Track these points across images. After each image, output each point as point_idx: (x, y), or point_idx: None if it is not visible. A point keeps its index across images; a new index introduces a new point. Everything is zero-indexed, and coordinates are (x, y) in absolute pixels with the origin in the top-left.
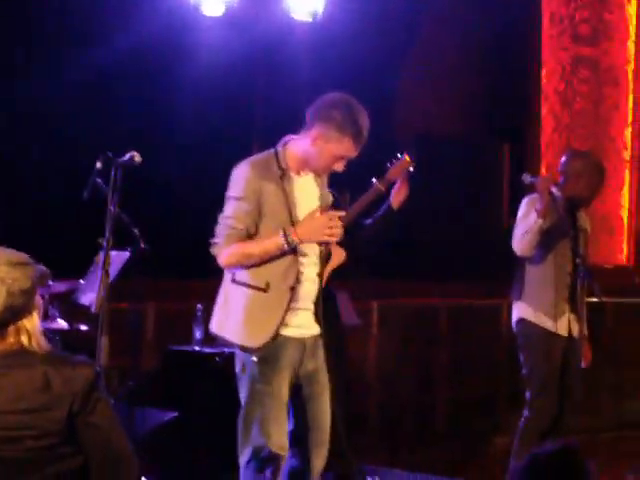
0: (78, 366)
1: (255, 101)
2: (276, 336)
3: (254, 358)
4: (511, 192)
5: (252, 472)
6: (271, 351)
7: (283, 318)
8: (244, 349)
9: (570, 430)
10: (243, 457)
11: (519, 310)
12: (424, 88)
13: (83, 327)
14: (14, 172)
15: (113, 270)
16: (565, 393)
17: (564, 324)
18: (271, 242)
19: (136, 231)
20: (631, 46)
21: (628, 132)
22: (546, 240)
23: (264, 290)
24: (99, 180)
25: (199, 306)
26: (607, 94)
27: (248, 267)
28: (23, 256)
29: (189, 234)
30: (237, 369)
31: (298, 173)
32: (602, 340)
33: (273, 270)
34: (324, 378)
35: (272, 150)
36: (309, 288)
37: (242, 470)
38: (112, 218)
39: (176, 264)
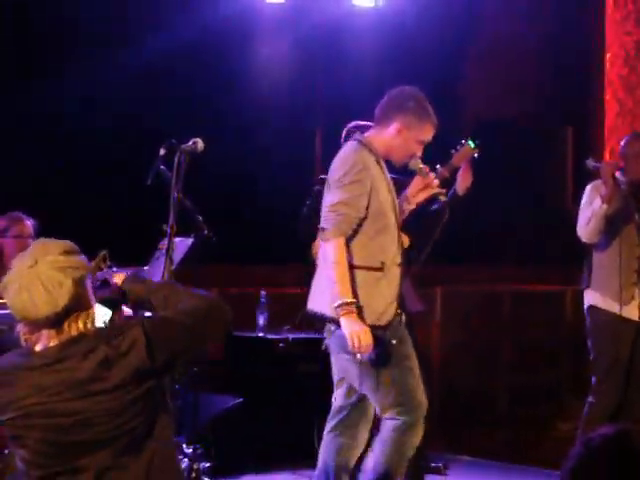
0: (127, 332)
1: (317, 88)
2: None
3: (394, 341)
4: (575, 177)
5: (406, 427)
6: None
7: (397, 293)
8: (376, 328)
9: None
10: (392, 420)
11: (588, 298)
12: (489, 74)
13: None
14: (79, 159)
15: (177, 256)
16: (634, 380)
17: (633, 309)
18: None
19: (200, 218)
20: None
21: None
22: (611, 226)
23: (380, 269)
24: (163, 167)
25: (263, 292)
26: None
27: (359, 249)
28: (71, 244)
29: (253, 221)
30: (337, 350)
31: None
32: None
33: (384, 249)
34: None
35: (354, 142)
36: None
37: (393, 431)
38: (175, 204)
39: (239, 250)
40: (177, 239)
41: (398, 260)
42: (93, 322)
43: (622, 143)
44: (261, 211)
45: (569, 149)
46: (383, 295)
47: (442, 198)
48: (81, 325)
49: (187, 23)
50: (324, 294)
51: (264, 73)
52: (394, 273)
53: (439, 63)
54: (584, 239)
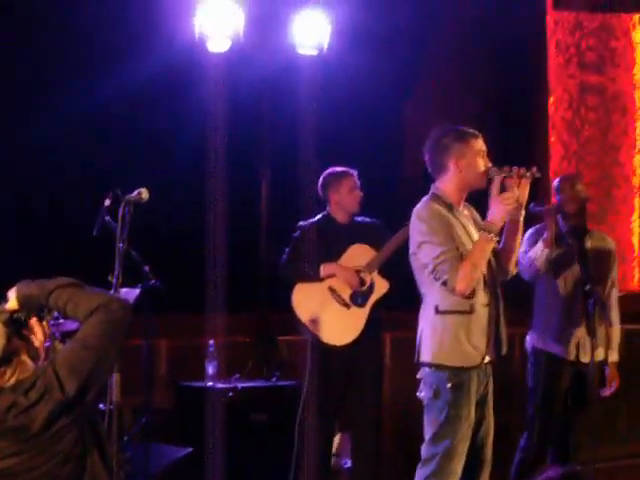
0: (40, 377)
1: (260, 134)
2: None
3: (448, 385)
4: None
5: None
6: (466, 378)
7: (489, 336)
8: (461, 369)
9: (589, 459)
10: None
11: (531, 340)
12: (433, 119)
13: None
14: (23, 209)
15: None
16: (581, 422)
17: (571, 349)
18: (481, 242)
19: (146, 268)
20: (638, 72)
21: (637, 159)
22: (552, 268)
23: (469, 312)
24: (108, 217)
25: (211, 342)
26: (615, 121)
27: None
28: None
29: (198, 268)
30: (428, 395)
31: (458, 206)
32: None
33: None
34: (491, 403)
35: (426, 197)
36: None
37: None
38: (121, 255)
39: (188, 300)
40: (124, 289)
41: (484, 301)
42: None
43: (555, 187)
44: (208, 259)
45: None
46: (473, 337)
47: (537, 174)
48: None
49: (127, 71)
50: (429, 346)
51: (207, 121)
52: (482, 314)
53: (381, 108)
54: (527, 279)
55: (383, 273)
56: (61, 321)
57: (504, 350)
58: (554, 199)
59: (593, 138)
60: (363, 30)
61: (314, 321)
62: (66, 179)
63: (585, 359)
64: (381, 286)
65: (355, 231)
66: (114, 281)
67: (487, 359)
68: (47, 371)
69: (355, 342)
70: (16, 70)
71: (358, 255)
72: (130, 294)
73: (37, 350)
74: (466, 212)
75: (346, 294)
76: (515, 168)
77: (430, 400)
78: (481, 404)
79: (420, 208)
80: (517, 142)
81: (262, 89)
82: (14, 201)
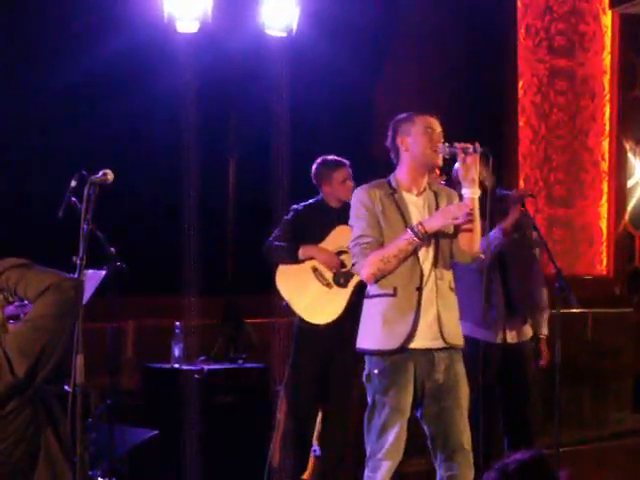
0: None
1: (229, 117)
2: (406, 344)
3: (376, 370)
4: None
5: (367, 470)
6: (394, 363)
7: (416, 319)
8: (379, 353)
9: (552, 443)
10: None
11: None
12: (400, 102)
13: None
14: None
15: (89, 288)
16: (523, 401)
17: (497, 332)
18: (401, 239)
19: (112, 249)
20: (607, 57)
21: (606, 143)
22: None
23: (392, 295)
24: (74, 199)
25: (177, 323)
26: (584, 105)
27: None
28: None
29: (165, 250)
30: (364, 377)
31: (410, 191)
32: (583, 351)
33: (399, 275)
34: (457, 392)
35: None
36: (431, 289)
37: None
38: (86, 236)
39: (154, 281)
40: (89, 271)
41: (416, 284)
42: None
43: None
44: (175, 241)
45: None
46: (394, 319)
47: (479, 150)
48: None
49: (95, 53)
50: (359, 332)
51: (176, 103)
52: (410, 297)
53: (350, 90)
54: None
55: None
56: (26, 302)
57: (447, 336)
58: (521, 183)
59: (562, 122)
60: (332, 11)
61: (296, 300)
62: (34, 160)
63: (511, 340)
64: None
65: (346, 214)
66: (78, 262)
67: (438, 345)
68: None
69: (337, 323)
70: None
71: (342, 236)
72: (95, 275)
73: None
74: (429, 196)
75: (329, 274)
76: (458, 144)
77: (364, 384)
78: (435, 394)
79: (354, 193)
80: (486, 126)
81: (231, 71)
82: None
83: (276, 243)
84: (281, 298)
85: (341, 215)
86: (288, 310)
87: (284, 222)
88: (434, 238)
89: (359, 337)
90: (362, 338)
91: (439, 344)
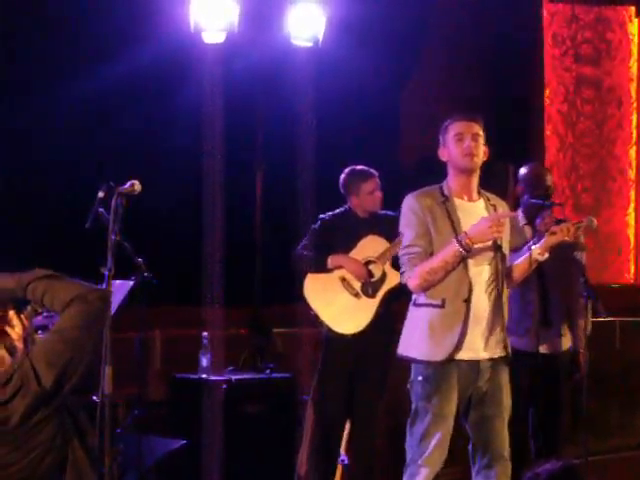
0: (17, 370)
1: (255, 127)
2: (452, 356)
3: (420, 377)
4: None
5: (406, 476)
6: (439, 371)
7: (463, 332)
8: (426, 363)
9: (581, 452)
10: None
11: None
12: (426, 110)
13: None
14: (16, 203)
15: (117, 299)
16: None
17: (530, 342)
18: (447, 250)
19: (139, 260)
20: (634, 65)
21: (633, 151)
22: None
23: (441, 306)
24: (101, 209)
25: (205, 334)
26: (610, 113)
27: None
28: None
29: (193, 261)
30: (407, 383)
31: (461, 197)
32: (611, 360)
33: (447, 286)
34: (500, 401)
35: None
36: (482, 301)
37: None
38: (113, 247)
39: (181, 291)
40: (117, 282)
41: (464, 295)
42: None
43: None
44: (203, 252)
45: (510, 186)
46: (441, 331)
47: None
48: None
49: (122, 64)
50: (402, 338)
51: (203, 114)
52: (458, 309)
53: (377, 100)
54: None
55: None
56: (53, 314)
57: (496, 347)
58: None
59: (589, 131)
60: (358, 21)
61: (324, 310)
62: (62, 172)
63: (547, 350)
64: (393, 277)
65: (374, 224)
66: (106, 273)
67: (484, 356)
68: (24, 364)
69: (365, 334)
70: (8, 65)
71: (371, 246)
72: (123, 286)
73: (14, 343)
74: (488, 207)
75: (357, 284)
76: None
77: (409, 391)
78: (478, 402)
79: (404, 201)
80: (513, 135)
81: (257, 81)
82: (7, 195)
83: (304, 252)
84: (309, 308)
85: (369, 225)
86: (316, 320)
87: (312, 231)
88: (491, 250)
89: (403, 344)
90: (407, 346)
91: (486, 355)
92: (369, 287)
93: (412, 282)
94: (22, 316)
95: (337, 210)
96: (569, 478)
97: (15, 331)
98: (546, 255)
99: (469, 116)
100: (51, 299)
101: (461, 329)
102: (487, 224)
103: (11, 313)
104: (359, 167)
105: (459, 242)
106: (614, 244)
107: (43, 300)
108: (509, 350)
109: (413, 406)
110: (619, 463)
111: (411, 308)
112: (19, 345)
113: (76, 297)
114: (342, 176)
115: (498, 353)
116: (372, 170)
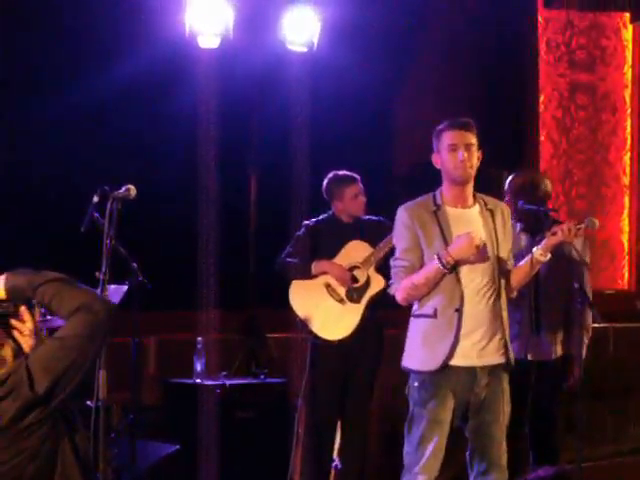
0: (12, 374)
1: (250, 131)
2: (446, 364)
3: (416, 383)
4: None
5: None
6: (435, 377)
7: (455, 341)
8: (420, 372)
9: (575, 458)
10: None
11: None
12: (421, 117)
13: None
14: (10, 206)
15: None
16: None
17: (518, 348)
18: (429, 267)
19: (134, 264)
20: (628, 71)
21: (627, 157)
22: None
23: (433, 316)
24: (96, 214)
25: (199, 339)
26: (605, 120)
27: (420, 298)
28: None
29: (186, 265)
30: (405, 389)
31: (454, 205)
32: (604, 366)
33: (439, 296)
34: (497, 408)
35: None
36: (477, 309)
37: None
38: (108, 251)
39: (175, 296)
40: (111, 286)
41: (455, 305)
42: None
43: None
44: (196, 256)
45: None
46: (434, 341)
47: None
48: None
49: (117, 68)
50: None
51: (197, 118)
52: (450, 319)
53: (371, 104)
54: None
55: (381, 270)
56: (48, 317)
57: (493, 354)
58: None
59: (583, 137)
60: (353, 26)
61: (309, 316)
62: (56, 176)
63: (533, 357)
64: (377, 282)
65: (358, 229)
66: (101, 278)
67: (480, 363)
68: (19, 367)
69: (351, 339)
70: (6, 68)
71: (355, 251)
72: (118, 291)
73: (21, 344)
74: (484, 213)
75: (342, 290)
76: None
77: (407, 397)
78: (476, 409)
79: (397, 212)
80: (507, 140)
81: (252, 85)
82: (1, 198)
83: (288, 259)
84: (295, 315)
85: (353, 230)
86: (302, 326)
87: (296, 238)
88: (486, 257)
89: (404, 355)
90: (406, 356)
91: (483, 362)
92: (354, 292)
93: (398, 295)
94: (33, 312)
95: (321, 216)
96: None
97: (27, 326)
98: (548, 256)
99: (462, 125)
100: (58, 304)
101: (453, 338)
102: (466, 241)
103: (22, 308)
104: (342, 172)
105: (439, 259)
106: (608, 250)
107: (51, 304)
108: (510, 356)
109: (410, 412)
110: (612, 469)
111: (410, 319)
112: (30, 341)
113: (82, 305)
114: (325, 182)
115: (497, 360)
116: (355, 175)
